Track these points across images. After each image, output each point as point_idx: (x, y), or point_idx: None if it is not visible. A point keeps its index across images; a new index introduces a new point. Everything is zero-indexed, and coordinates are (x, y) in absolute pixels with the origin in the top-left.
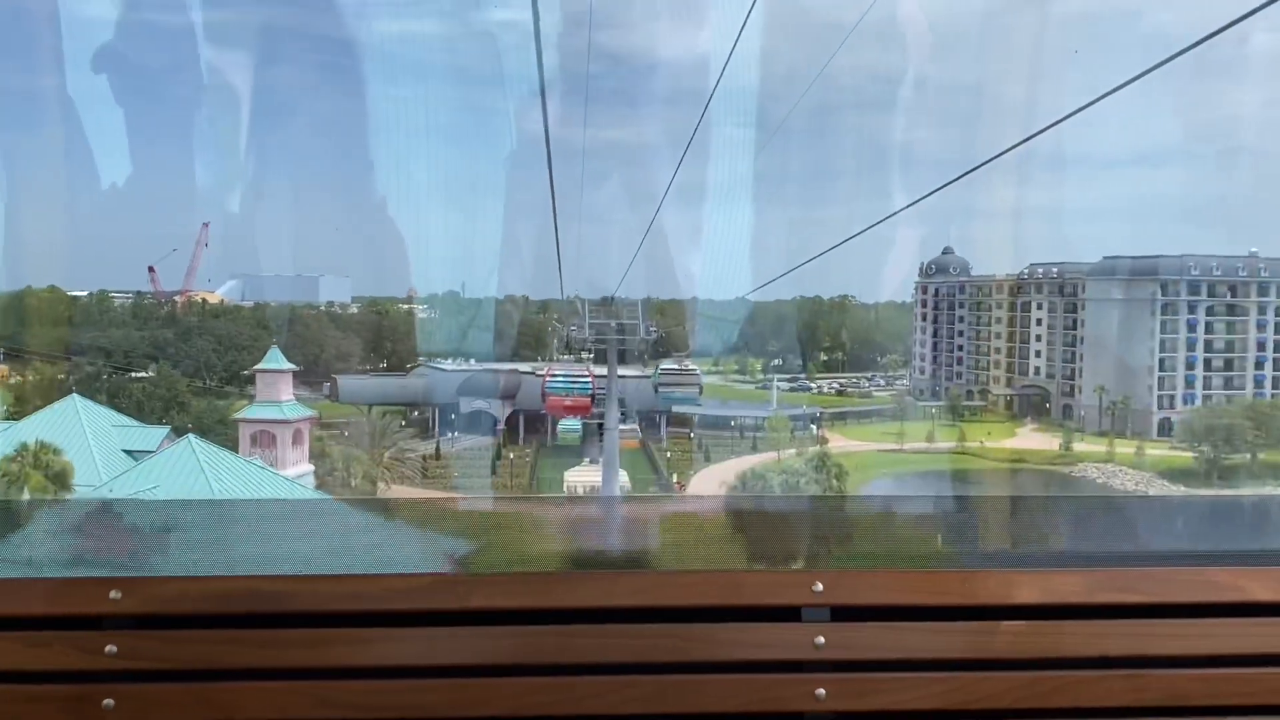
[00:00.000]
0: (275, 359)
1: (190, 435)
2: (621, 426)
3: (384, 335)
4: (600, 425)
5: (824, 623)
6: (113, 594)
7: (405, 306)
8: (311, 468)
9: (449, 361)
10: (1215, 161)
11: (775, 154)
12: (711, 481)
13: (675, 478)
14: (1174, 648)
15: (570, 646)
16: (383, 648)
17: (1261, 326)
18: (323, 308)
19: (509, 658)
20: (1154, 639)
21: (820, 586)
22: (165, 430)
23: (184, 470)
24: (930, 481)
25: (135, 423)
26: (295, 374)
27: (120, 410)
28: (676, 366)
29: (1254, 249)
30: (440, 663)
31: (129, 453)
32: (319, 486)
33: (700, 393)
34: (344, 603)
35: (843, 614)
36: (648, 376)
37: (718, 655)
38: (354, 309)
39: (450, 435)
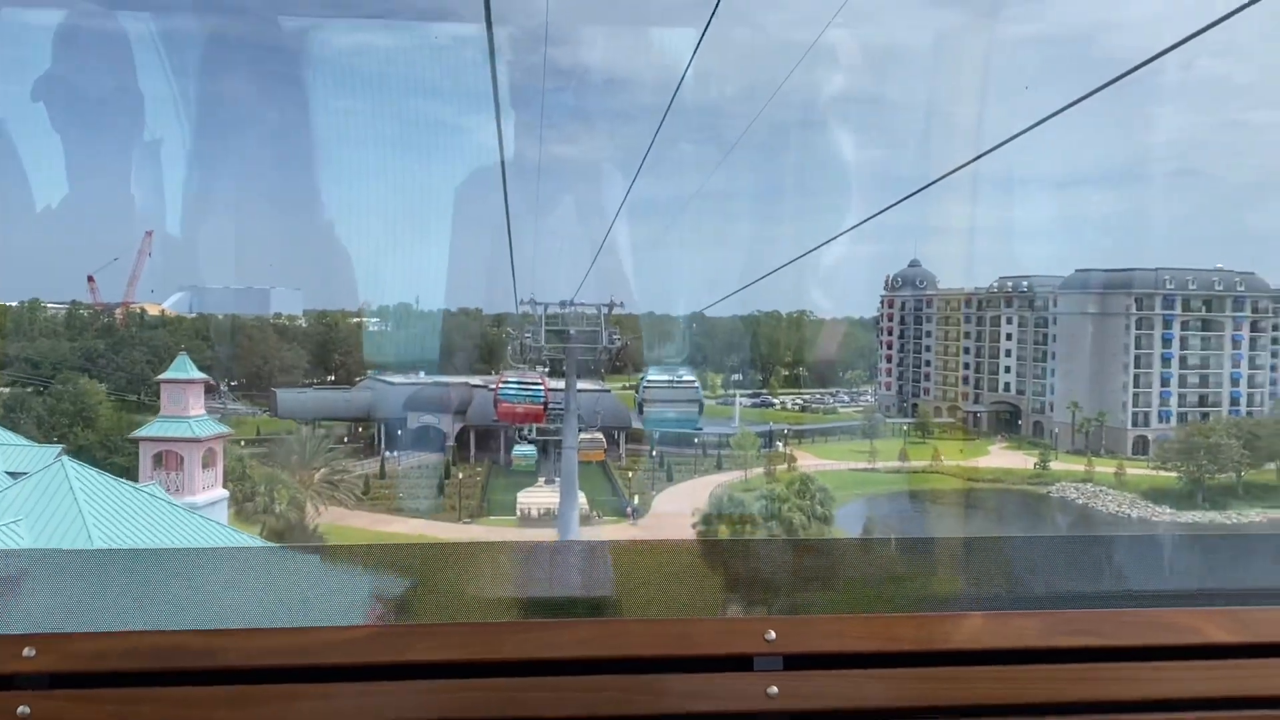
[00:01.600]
0: (182, 367)
1: (65, 458)
2: (584, 436)
3: (332, 348)
4: (558, 442)
5: (776, 672)
6: (26, 651)
7: (356, 319)
8: (226, 493)
9: (398, 375)
10: (1168, 181)
11: (731, 171)
12: (675, 501)
13: (635, 500)
14: (1131, 691)
15: (516, 700)
16: (314, 705)
17: (1237, 342)
18: (271, 320)
19: (451, 713)
20: (1111, 683)
21: (773, 635)
22: (58, 449)
23: (53, 499)
24: (907, 502)
25: (25, 441)
26: (233, 387)
27: (17, 427)
28: (667, 378)
29: (1219, 264)
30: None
31: (12, 474)
32: (236, 514)
33: (701, 412)
34: (273, 657)
35: (796, 662)
36: (608, 390)
37: (669, 707)
38: (302, 322)
39: (395, 453)
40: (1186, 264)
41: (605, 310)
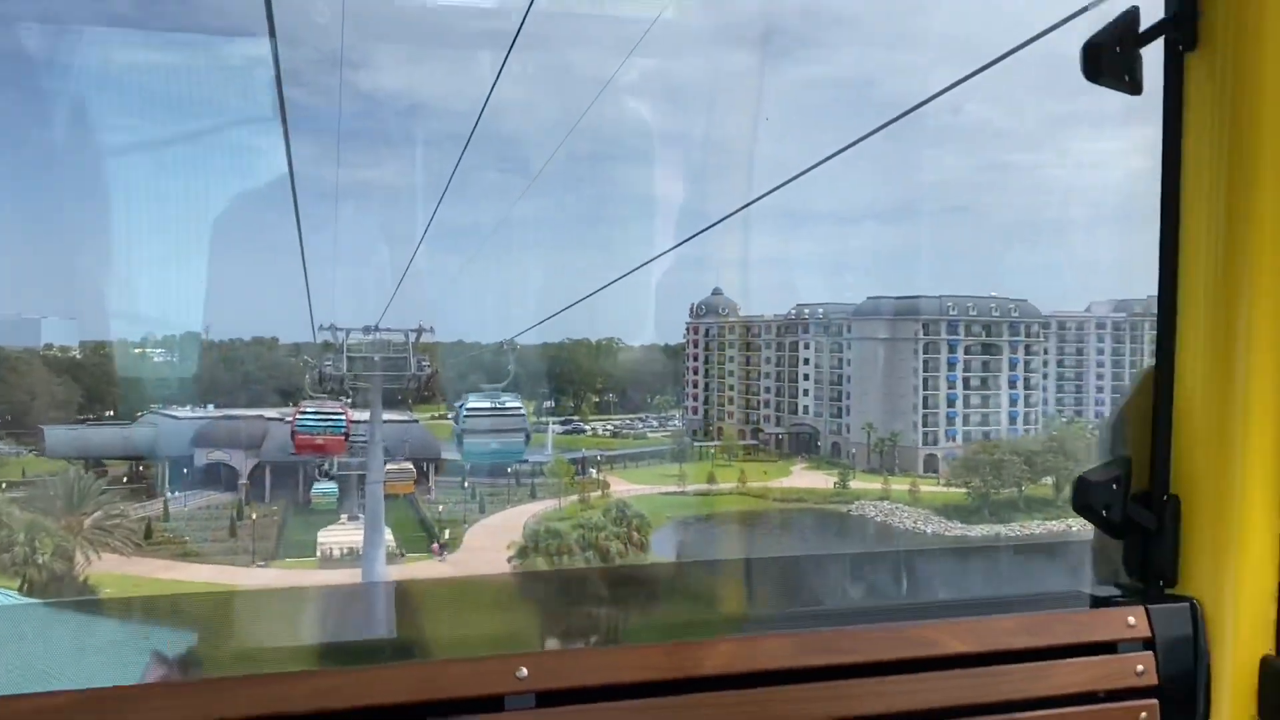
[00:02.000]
0: None
1: None
2: (391, 467)
3: (111, 381)
4: (362, 477)
5: (528, 710)
6: None
7: (138, 350)
8: None
9: (185, 408)
10: (942, 217)
11: (538, 200)
12: (488, 534)
13: (446, 534)
14: (873, 707)
15: None
16: None
17: (1013, 365)
18: (41, 351)
19: None
20: (854, 700)
21: (524, 672)
22: None
23: None
24: (717, 524)
25: None
26: None
27: None
28: (490, 405)
29: (993, 292)
30: None
31: None
32: None
33: (527, 441)
34: None
35: (548, 699)
36: (415, 420)
37: None
38: (76, 353)
39: (181, 493)
40: (966, 292)
41: (413, 336)
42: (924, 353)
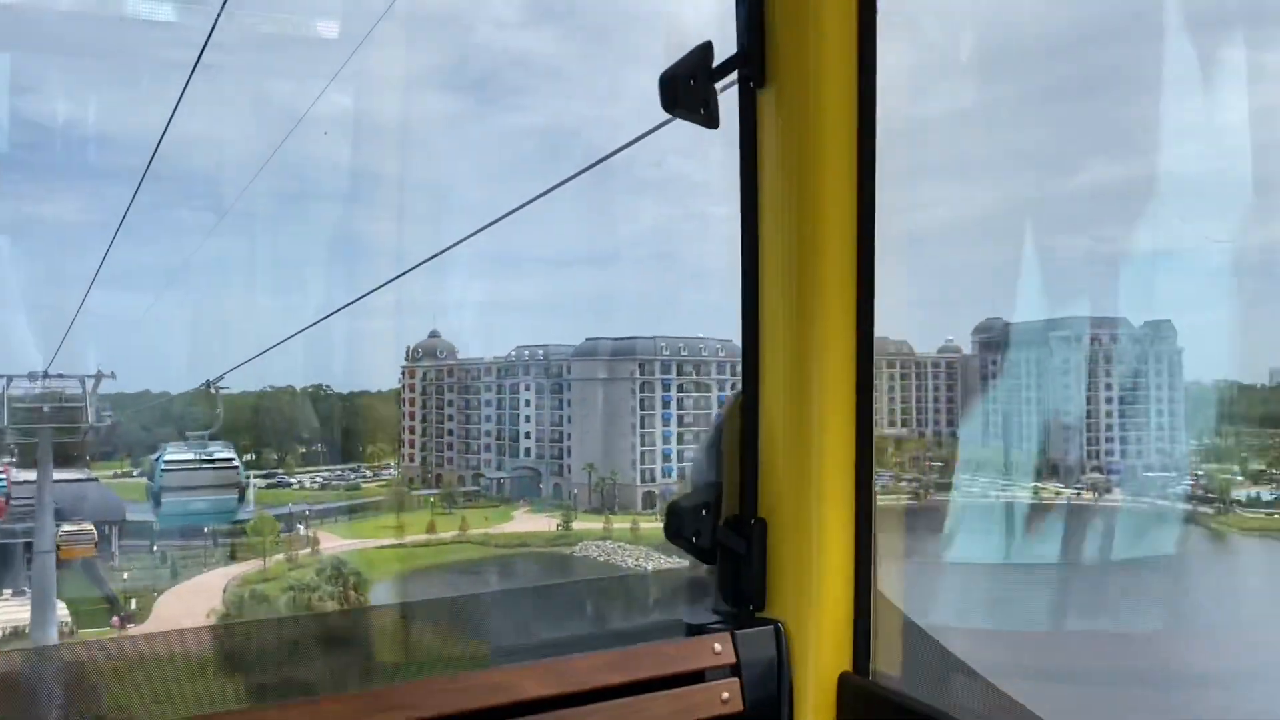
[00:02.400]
0: None
1: None
2: (69, 528)
3: None
4: (28, 544)
5: None
6: None
7: None
8: None
9: None
10: (650, 262)
11: (233, 238)
12: (182, 602)
13: (133, 604)
14: None
15: None
16: None
17: (721, 402)
18: None
19: None
20: None
21: None
22: None
23: None
24: (437, 575)
25: None
26: None
27: None
28: (194, 456)
29: (700, 333)
30: None
31: None
32: None
33: (242, 499)
34: None
35: None
36: (94, 479)
37: None
38: None
39: None
40: (677, 333)
41: (91, 384)
42: (640, 391)
